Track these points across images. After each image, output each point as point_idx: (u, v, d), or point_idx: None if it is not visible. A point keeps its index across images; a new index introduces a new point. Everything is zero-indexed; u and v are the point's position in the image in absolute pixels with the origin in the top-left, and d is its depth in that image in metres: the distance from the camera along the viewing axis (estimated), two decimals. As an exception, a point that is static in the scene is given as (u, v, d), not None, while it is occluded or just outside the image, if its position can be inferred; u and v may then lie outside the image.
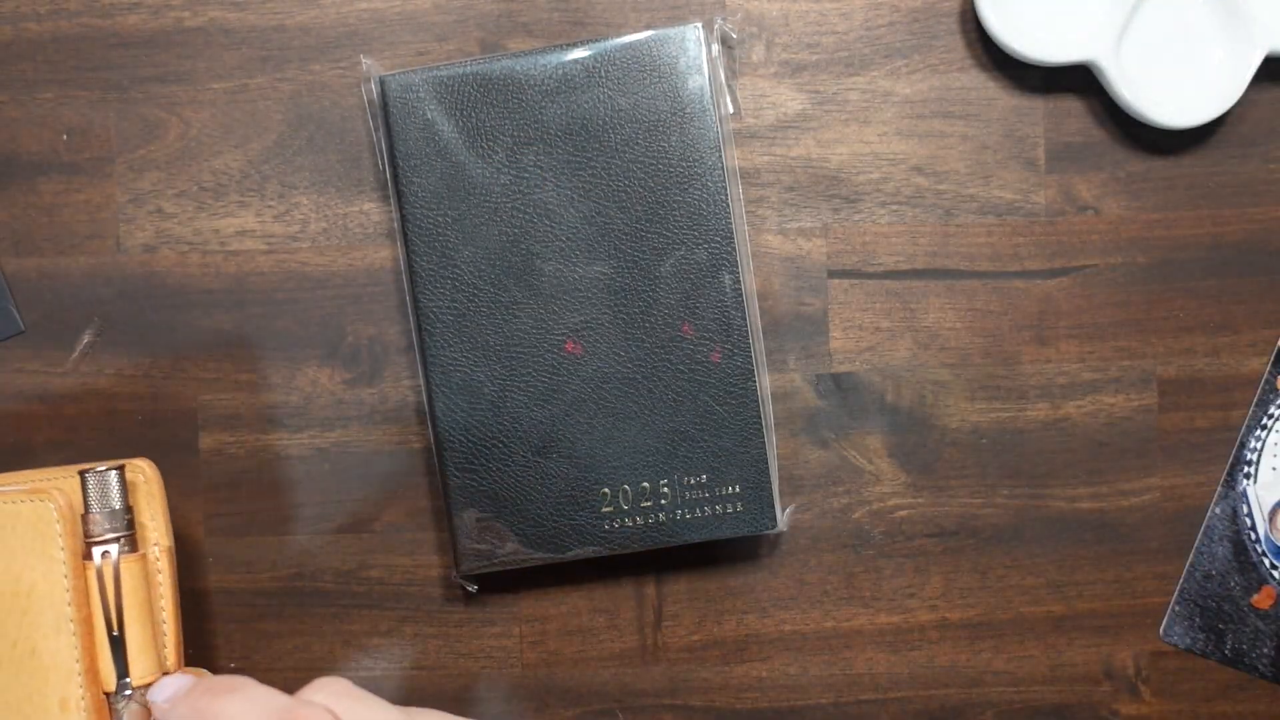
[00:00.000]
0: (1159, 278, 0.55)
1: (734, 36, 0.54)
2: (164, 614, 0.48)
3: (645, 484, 0.52)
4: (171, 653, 0.47)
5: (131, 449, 0.55)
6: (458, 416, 0.52)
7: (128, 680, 0.46)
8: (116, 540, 0.46)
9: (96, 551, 0.46)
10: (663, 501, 0.52)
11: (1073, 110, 0.55)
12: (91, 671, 0.45)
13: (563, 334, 0.52)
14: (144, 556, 0.47)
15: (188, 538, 0.55)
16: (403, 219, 0.52)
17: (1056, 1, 0.53)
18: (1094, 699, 0.55)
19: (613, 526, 0.52)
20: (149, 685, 0.46)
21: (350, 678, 0.55)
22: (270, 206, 0.55)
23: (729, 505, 0.52)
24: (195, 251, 0.55)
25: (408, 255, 0.52)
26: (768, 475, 0.52)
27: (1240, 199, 0.55)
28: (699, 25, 0.51)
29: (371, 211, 0.55)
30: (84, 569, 0.46)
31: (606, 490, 0.52)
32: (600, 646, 0.55)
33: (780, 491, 0.54)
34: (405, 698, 0.55)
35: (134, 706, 0.46)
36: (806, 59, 0.54)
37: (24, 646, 0.46)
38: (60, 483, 0.48)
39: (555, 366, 0.52)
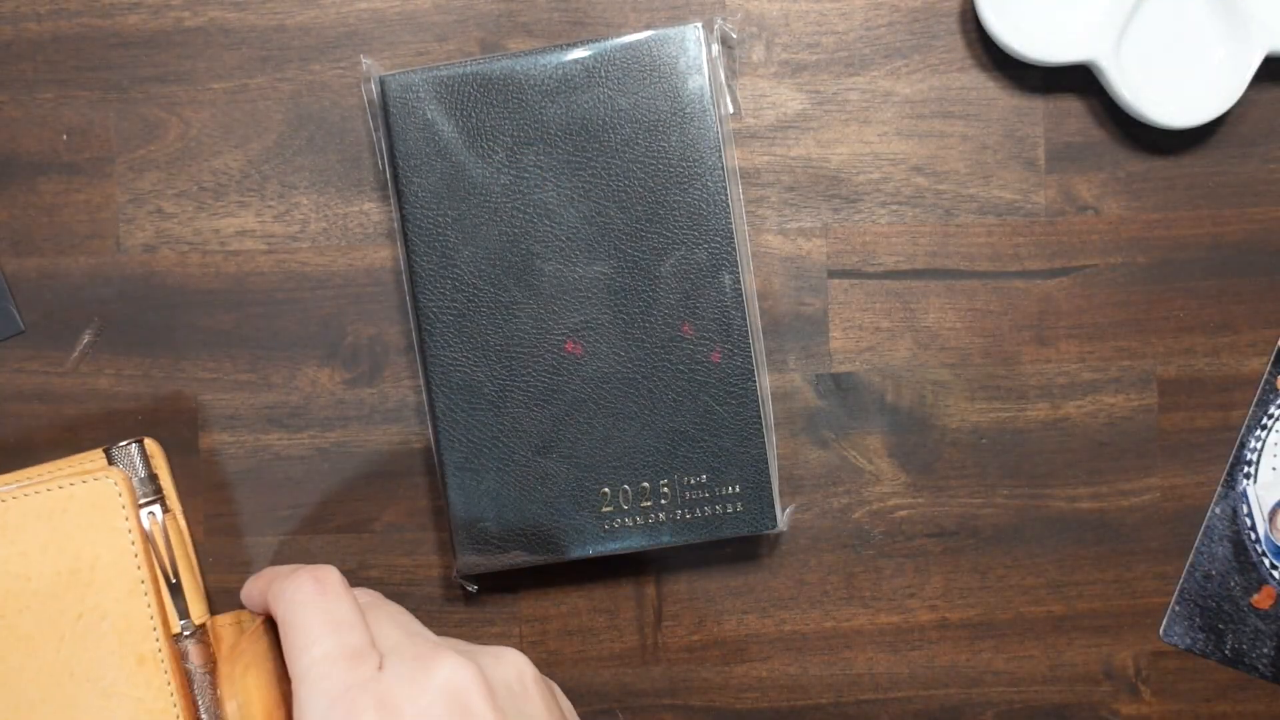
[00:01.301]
0: (1159, 278, 0.55)
1: (734, 36, 0.54)
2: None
3: (645, 484, 0.52)
4: (204, 597, 0.53)
5: (131, 449, 0.55)
6: (458, 416, 0.52)
7: (189, 620, 0.52)
8: (152, 503, 0.52)
9: (143, 514, 0.52)
10: (663, 501, 0.52)
11: (1073, 110, 0.55)
12: (165, 624, 0.51)
13: (563, 334, 0.52)
14: (174, 516, 0.53)
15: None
16: (403, 219, 0.52)
17: (1056, 1, 0.53)
18: (1094, 699, 0.55)
19: (613, 526, 0.52)
20: (202, 626, 0.52)
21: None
22: (270, 206, 0.55)
23: (729, 505, 0.52)
24: (195, 251, 0.55)
25: (408, 255, 0.52)
26: (768, 475, 0.52)
27: (1240, 199, 0.55)
28: (699, 25, 0.51)
29: (371, 211, 0.55)
30: (143, 530, 0.52)
31: (606, 490, 0.52)
32: (600, 646, 0.55)
33: (780, 491, 0.54)
34: (405, 698, 0.55)
35: (196, 644, 0.52)
36: (806, 59, 0.54)
37: (91, 617, 0.51)
38: (87, 464, 0.53)
39: (555, 366, 0.52)
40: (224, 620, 0.54)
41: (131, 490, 0.52)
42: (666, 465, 0.52)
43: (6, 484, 0.52)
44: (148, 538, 0.52)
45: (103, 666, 0.51)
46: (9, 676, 0.51)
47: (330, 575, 0.44)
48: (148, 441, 0.54)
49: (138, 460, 0.53)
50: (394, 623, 0.44)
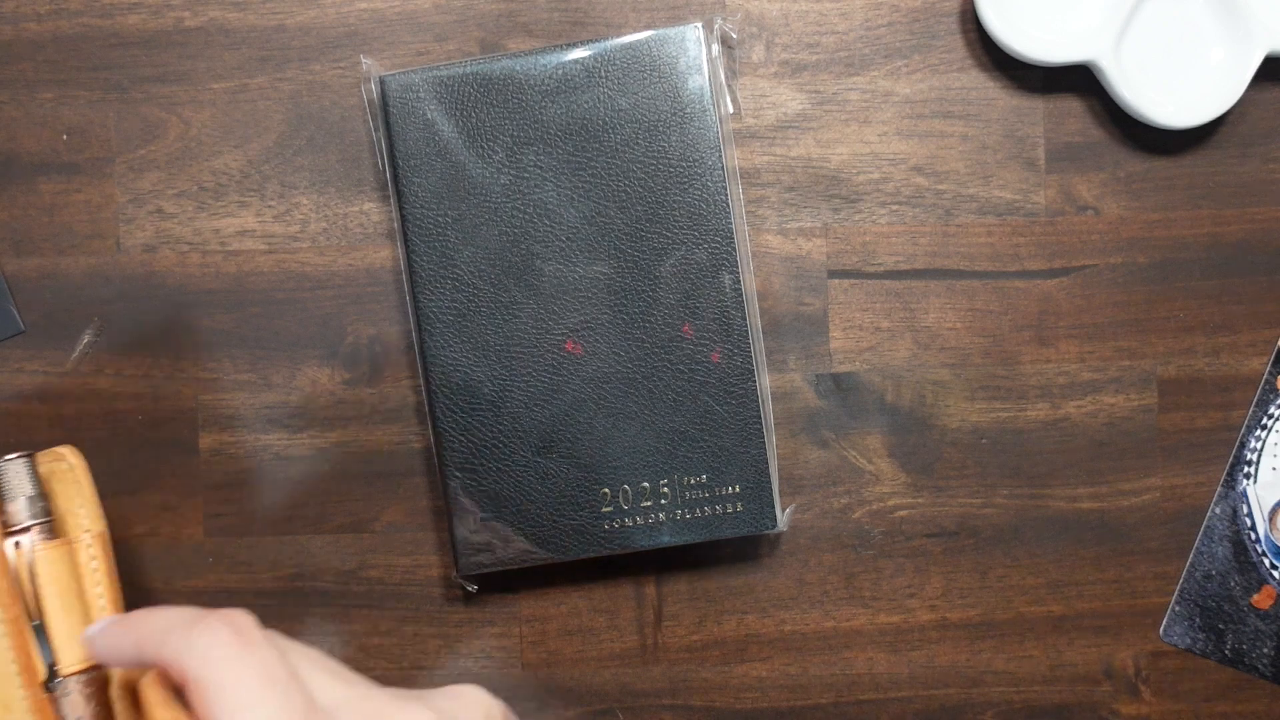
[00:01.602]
0: (1159, 278, 0.55)
1: (734, 36, 0.54)
2: (102, 600, 0.46)
3: (645, 484, 0.52)
4: None
5: (131, 449, 0.55)
6: (458, 416, 0.52)
7: (56, 668, 0.44)
8: (30, 529, 0.45)
9: (8, 543, 0.45)
10: (663, 501, 0.52)
11: (1073, 110, 0.55)
12: (29, 670, 0.44)
13: (563, 334, 0.52)
14: (67, 542, 0.45)
15: (188, 538, 0.55)
16: (403, 219, 0.52)
17: (1056, 1, 0.53)
18: (1094, 699, 0.55)
19: (613, 526, 0.52)
20: (79, 673, 0.44)
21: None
22: (270, 206, 0.55)
23: (729, 505, 0.52)
24: (195, 251, 0.55)
25: (408, 255, 0.52)
26: (768, 475, 0.52)
27: (1240, 199, 0.55)
28: (699, 25, 0.51)
29: (371, 211, 0.55)
30: (4, 565, 0.44)
31: (606, 490, 0.52)
32: (600, 646, 0.55)
33: (780, 491, 0.54)
34: (405, 698, 0.55)
35: (72, 695, 0.44)
36: (806, 59, 0.54)
37: None
38: None
39: (555, 366, 0.52)
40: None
41: None
42: (666, 465, 0.52)
43: None
44: (13, 567, 0.44)
45: None
46: None
47: (247, 621, 0.37)
48: (68, 453, 0.47)
49: (23, 476, 0.46)
50: (324, 670, 0.38)
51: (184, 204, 0.55)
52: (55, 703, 0.44)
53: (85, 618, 0.45)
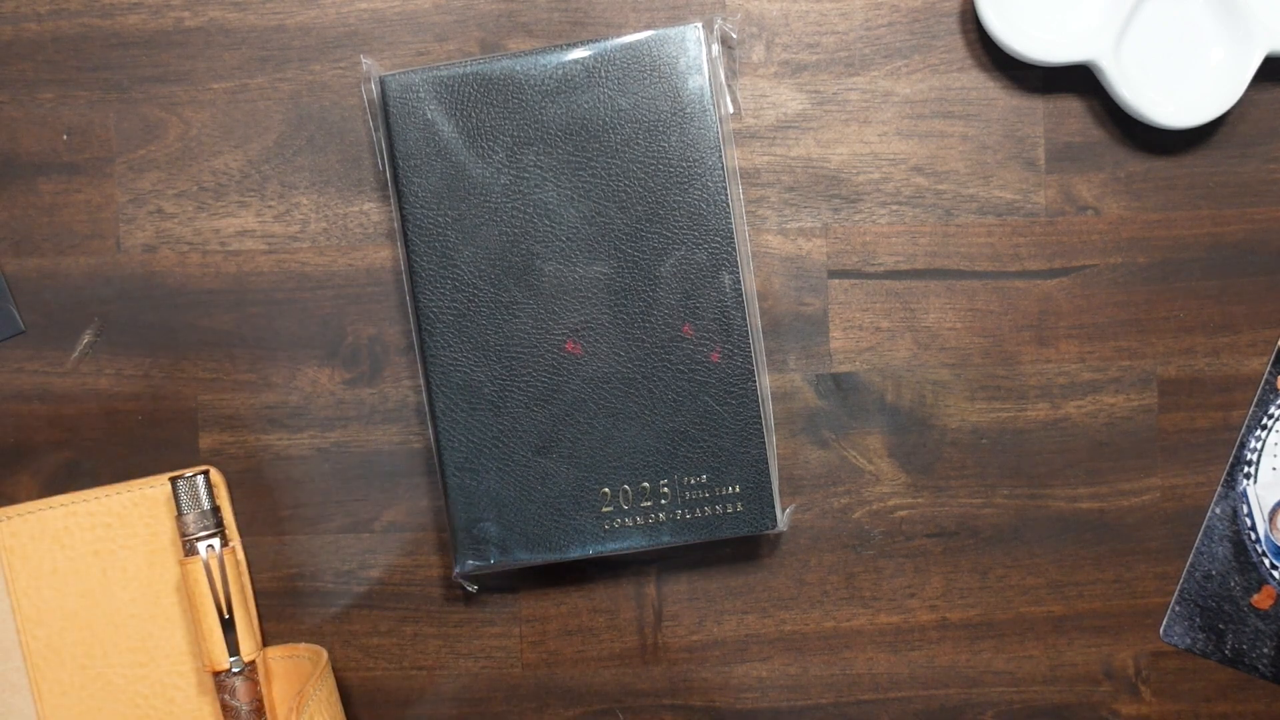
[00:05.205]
0: (1159, 278, 0.55)
1: (734, 36, 0.54)
2: (250, 599, 0.54)
3: (645, 484, 0.52)
4: (257, 632, 0.53)
5: (131, 449, 0.55)
6: (458, 416, 0.52)
7: (238, 658, 0.51)
8: (211, 536, 0.51)
9: (201, 546, 0.51)
10: (663, 501, 0.52)
11: (1073, 110, 0.55)
12: (211, 660, 0.51)
13: (563, 334, 0.52)
14: (234, 550, 0.52)
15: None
16: (403, 219, 0.52)
17: (1056, 1, 0.53)
18: (1094, 699, 0.55)
19: (613, 526, 0.52)
20: (251, 663, 0.51)
21: (350, 677, 0.55)
22: (270, 206, 0.55)
23: (729, 505, 0.52)
24: (195, 251, 0.55)
25: (408, 255, 0.52)
26: (768, 475, 0.52)
27: (1240, 199, 0.55)
28: (699, 25, 0.51)
29: (371, 211, 0.55)
30: (187, 565, 0.51)
31: (606, 490, 0.52)
32: (600, 646, 0.55)
33: (780, 491, 0.54)
34: (405, 697, 0.55)
35: (245, 681, 0.51)
36: (806, 59, 0.54)
37: (144, 647, 0.53)
38: (151, 492, 0.53)
39: (555, 366, 0.52)
40: (276, 653, 0.53)
41: (174, 525, 0.51)
42: (666, 465, 0.52)
43: (65, 502, 0.53)
44: (205, 569, 0.51)
45: (156, 697, 0.52)
46: (88, 683, 0.52)
47: None
48: (211, 472, 0.53)
49: (202, 491, 0.52)
50: None
51: (184, 204, 0.55)
52: (226, 684, 0.51)
53: (249, 613, 0.52)
